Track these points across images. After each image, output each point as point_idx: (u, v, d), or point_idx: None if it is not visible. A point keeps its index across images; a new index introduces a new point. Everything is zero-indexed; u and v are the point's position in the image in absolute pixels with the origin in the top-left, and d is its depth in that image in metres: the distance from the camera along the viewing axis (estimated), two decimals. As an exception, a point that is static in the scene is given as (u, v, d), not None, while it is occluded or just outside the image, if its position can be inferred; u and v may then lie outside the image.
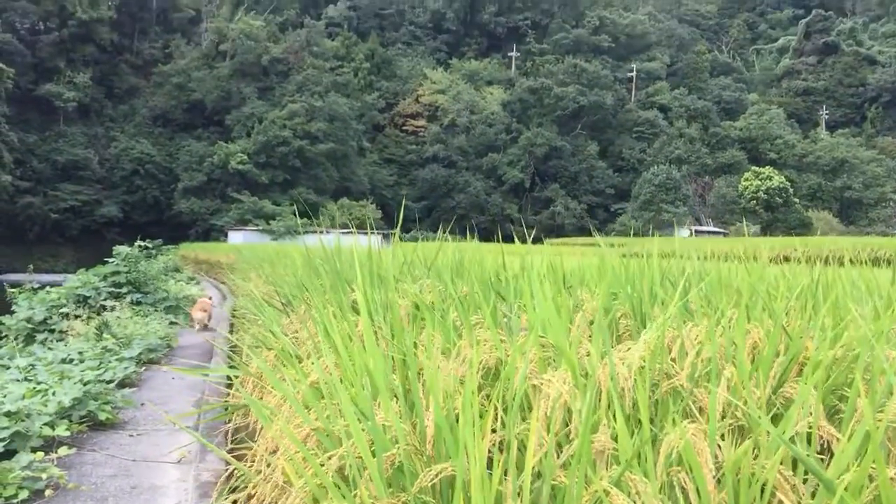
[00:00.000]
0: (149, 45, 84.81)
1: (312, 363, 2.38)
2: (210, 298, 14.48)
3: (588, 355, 2.18)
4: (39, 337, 10.76)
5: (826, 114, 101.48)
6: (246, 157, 67.14)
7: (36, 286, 15.84)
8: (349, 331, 2.70)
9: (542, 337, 2.23)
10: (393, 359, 2.35)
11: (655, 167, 74.83)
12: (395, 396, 2.19)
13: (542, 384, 1.97)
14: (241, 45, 79.24)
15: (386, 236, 52.69)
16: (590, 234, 68.76)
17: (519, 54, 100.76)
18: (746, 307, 2.21)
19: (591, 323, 2.64)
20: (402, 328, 2.42)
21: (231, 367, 3.49)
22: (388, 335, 2.61)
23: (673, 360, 2.16)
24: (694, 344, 2.14)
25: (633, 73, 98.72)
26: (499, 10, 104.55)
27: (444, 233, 6.67)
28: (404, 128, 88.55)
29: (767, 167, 76.04)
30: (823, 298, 2.54)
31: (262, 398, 2.85)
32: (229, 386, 5.36)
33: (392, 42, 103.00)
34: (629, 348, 2.20)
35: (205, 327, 12.51)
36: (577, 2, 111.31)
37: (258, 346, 3.42)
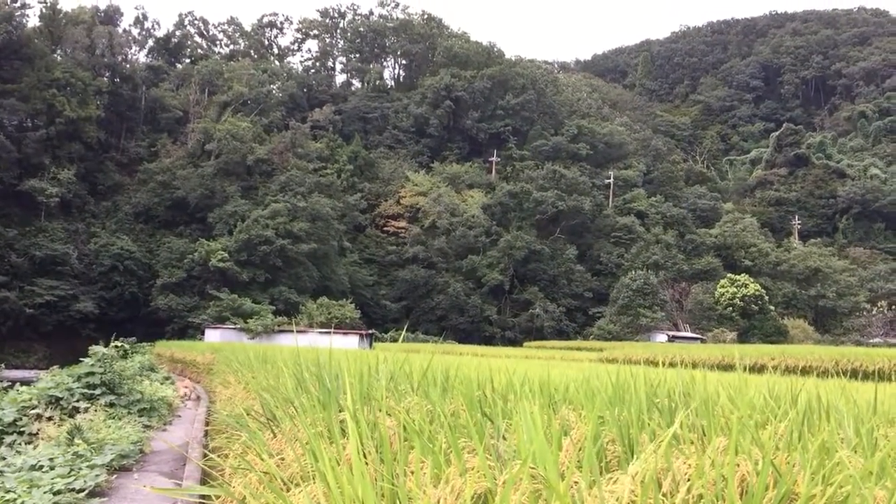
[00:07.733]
0: (135, 144, 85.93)
1: (300, 493, 2.35)
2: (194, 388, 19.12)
3: (577, 484, 2.18)
4: (8, 439, 10.49)
5: (798, 223, 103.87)
6: (227, 254, 67.05)
7: (6, 384, 15.52)
8: (337, 454, 2.68)
9: (533, 468, 2.23)
10: (382, 486, 2.33)
11: (633, 272, 75.61)
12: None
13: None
14: (226, 144, 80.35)
15: (363, 336, 52.04)
16: (568, 338, 68.71)
17: (499, 159, 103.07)
18: (736, 443, 2.23)
19: (580, 450, 2.64)
20: (391, 455, 2.41)
21: (210, 486, 3.43)
22: (377, 460, 2.59)
23: (664, 495, 2.16)
24: (684, 479, 2.15)
25: (611, 180, 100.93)
26: (480, 117, 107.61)
27: (424, 333, 6.67)
28: (385, 229, 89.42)
29: (743, 274, 77.04)
30: (810, 430, 2.57)
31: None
32: (203, 497, 5.22)
33: (375, 145, 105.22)
34: (616, 479, 2.20)
35: (194, 398, 17.42)
36: (557, 111, 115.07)
37: (241, 466, 3.37)
